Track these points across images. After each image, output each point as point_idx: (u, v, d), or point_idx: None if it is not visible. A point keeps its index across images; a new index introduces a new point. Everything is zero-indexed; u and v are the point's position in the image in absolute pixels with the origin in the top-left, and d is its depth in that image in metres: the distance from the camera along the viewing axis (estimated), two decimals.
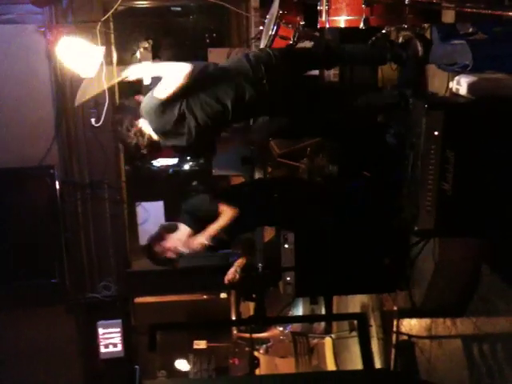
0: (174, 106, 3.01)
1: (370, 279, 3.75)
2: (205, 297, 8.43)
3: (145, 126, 3.09)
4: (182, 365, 8.70)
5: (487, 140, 2.51)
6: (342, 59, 3.42)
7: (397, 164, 3.25)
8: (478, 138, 2.52)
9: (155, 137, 3.13)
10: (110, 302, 5.95)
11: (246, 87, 3.04)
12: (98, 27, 5.01)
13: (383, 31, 3.39)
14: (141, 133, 3.09)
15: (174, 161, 8.38)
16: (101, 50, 4.54)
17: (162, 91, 2.97)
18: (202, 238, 3.27)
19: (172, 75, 2.96)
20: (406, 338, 3.91)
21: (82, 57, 4.46)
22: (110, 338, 6.00)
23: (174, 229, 3.35)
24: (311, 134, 4.42)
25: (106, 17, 4.96)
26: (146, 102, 3.05)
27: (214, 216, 3.33)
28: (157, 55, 5.19)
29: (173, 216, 5.91)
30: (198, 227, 3.31)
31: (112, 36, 5.41)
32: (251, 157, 5.31)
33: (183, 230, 3.31)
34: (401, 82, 3.54)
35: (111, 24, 5.35)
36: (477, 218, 2.63)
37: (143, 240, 6.74)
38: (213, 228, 3.29)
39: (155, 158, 8.02)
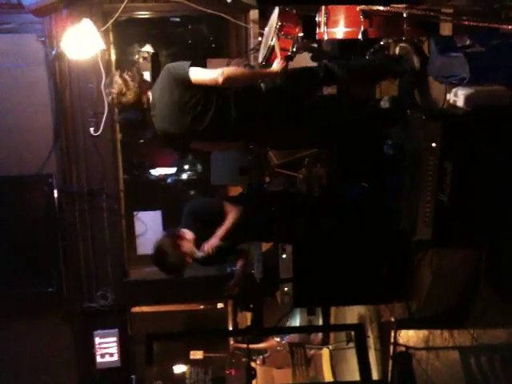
0: (191, 92, 3.06)
1: (368, 290, 3.75)
2: (202, 307, 8.40)
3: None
4: (179, 370, 8.64)
5: (485, 152, 2.53)
6: (341, 80, 3.44)
7: (394, 175, 3.27)
8: (475, 149, 2.53)
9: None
10: (107, 312, 5.93)
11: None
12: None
13: (381, 43, 3.42)
14: (138, 72, 3.18)
15: (172, 170, 8.38)
16: (88, 22, 4.68)
17: (196, 73, 3.03)
18: (215, 241, 3.27)
19: (215, 71, 3.04)
20: (403, 349, 3.90)
21: (81, 40, 4.73)
22: (107, 348, 5.97)
23: (178, 235, 3.34)
24: (309, 145, 4.43)
25: (105, 27, 4.99)
26: (177, 65, 3.10)
27: (217, 218, 3.34)
28: (156, 65, 5.22)
29: (171, 225, 5.92)
30: (201, 229, 3.31)
31: (111, 46, 5.43)
32: (249, 167, 5.32)
33: (190, 234, 3.31)
34: (399, 94, 3.57)
35: (111, 34, 5.37)
36: (474, 229, 2.64)
37: (141, 249, 6.76)
38: (222, 230, 3.30)
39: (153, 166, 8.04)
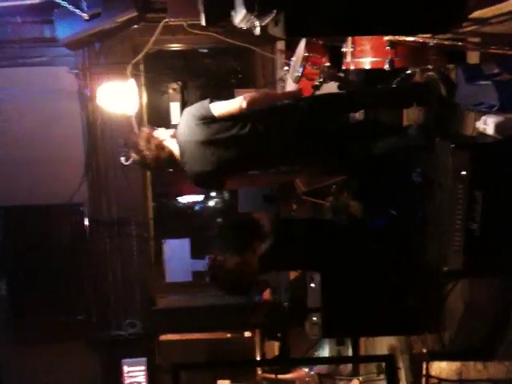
0: (213, 128, 3.08)
1: (398, 320, 3.69)
2: (229, 335, 8.36)
3: (168, 141, 3.15)
4: None
5: None
6: (367, 106, 3.45)
7: (423, 203, 3.24)
8: (505, 177, 2.50)
9: (176, 152, 3.16)
10: (135, 340, 5.94)
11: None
12: (129, 69, 5.16)
13: (408, 72, 3.43)
14: (161, 146, 3.13)
15: (199, 197, 8.45)
16: (132, 82, 4.75)
17: (218, 107, 3.08)
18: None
19: (233, 101, 3.10)
20: (435, 381, 3.81)
21: (119, 97, 4.79)
22: (135, 377, 5.96)
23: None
24: (336, 172, 4.43)
25: (136, 59, 5.11)
26: (197, 106, 3.13)
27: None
28: (185, 96, 5.32)
29: (199, 253, 5.95)
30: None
31: (142, 78, 5.55)
32: (273, 194, 5.33)
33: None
34: (426, 122, 3.55)
35: (141, 66, 5.50)
36: (506, 258, 2.59)
37: (169, 277, 6.78)
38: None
39: (181, 194, 8.10)
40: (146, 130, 3.24)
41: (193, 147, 3.14)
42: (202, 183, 3.38)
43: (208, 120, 3.08)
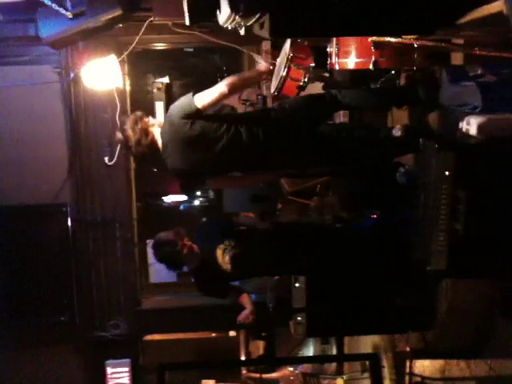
0: (197, 126, 3.08)
1: (382, 319, 3.71)
2: (214, 335, 8.34)
3: (154, 128, 3.17)
4: None
5: (498, 180, 2.52)
6: (352, 107, 3.47)
7: (407, 203, 3.27)
8: (488, 177, 2.53)
9: (159, 141, 3.16)
10: (119, 341, 5.90)
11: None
12: None
13: (392, 73, 3.45)
14: (146, 132, 3.14)
15: (184, 197, 8.42)
16: (113, 57, 4.75)
17: (201, 99, 3.07)
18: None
19: (214, 88, 3.09)
20: (419, 379, 3.84)
21: (103, 73, 4.83)
22: (119, 378, 5.92)
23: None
24: (321, 173, 4.45)
25: (121, 58, 5.07)
26: (181, 103, 3.11)
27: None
28: (170, 95, 5.29)
29: None
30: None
31: (126, 77, 5.52)
32: (261, 194, 5.33)
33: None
34: (411, 123, 3.58)
35: (126, 65, 5.46)
36: (489, 259, 2.61)
37: (154, 278, 6.75)
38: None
39: (166, 194, 8.07)
40: (138, 113, 3.24)
41: (175, 144, 3.14)
42: (182, 179, 3.40)
43: (192, 118, 3.07)
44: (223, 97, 3.11)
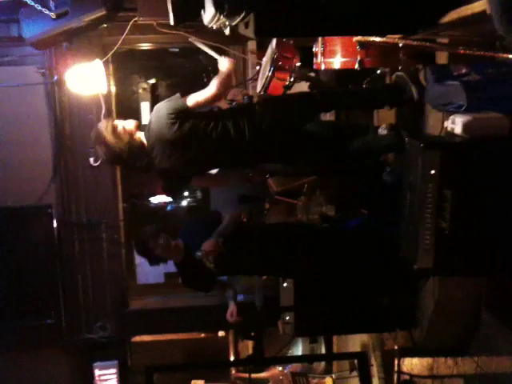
0: (185, 126, 3.04)
1: (370, 318, 3.72)
2: (202, 335, 8.32)
3: (130, 127, 3.09)
4: None
5: (483, 178, 2.54)
6: (338, 107, 3.46)
7: (394, 202, 3.27)
8: (473, 176, 2.54)
9: (143, 138, 3.11)
10: (107, 343, 5.87)
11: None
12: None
13: (378, 72, 3.46)
14: (130, 134, 3.07)
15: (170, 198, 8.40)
16: (98, 62, 4.70)
17: (190, 98, 3.05)
18: (214, 240, 3.29)
19: (208, 89, 3.06)
20: (407, 377, 3.86)
21: (87, 79, 4.72)
22: (107, 380, 5.89)
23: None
24: (308, 173, 4.45)
25: (105, 58, 5.03)
26: (169, 103, 3.07)
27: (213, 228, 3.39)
28: (156, 95, 5.26)
29: None
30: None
31: (111, 77, 5.48)
32: (249, 195, 5.32)
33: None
34: (396, 122, 3.59)
35: (111, 65, 5.42)
36: (475, 257, 2.63)
37: (141, 279, 6.72)
38: (219, 230, 3.35)
39: (153, 194, 8.04)
40: (104, 122, 3.14)
41: (163, 144, 3.09)
42: (167, 179, 3.37)
43: (181, 118, 3.04)
44: (216, 96, 3.09)
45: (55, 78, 5.16)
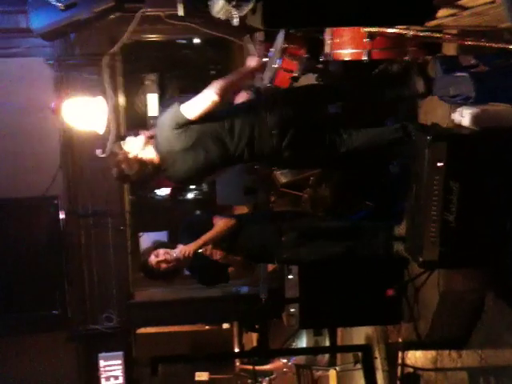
0: (193, 132, 3.01)
1: (374, 311, 3.73)
2: (207, 327, 8.36)
3: (143, 152, 3.08)
4: None
5: (490, 171, 2.53)
6: (345, 98, 3.44)
7: (400, 194, 3.27)
8: (481, 168, 2.53)
9: (155, 159, 3.08)
10: (112, 334, 5.90)
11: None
12: (106, 60, 5.10)
13: (386, 64, 3.45)
14: (142, 161, 3.06)
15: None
16: (101, 100, 4.65)
17: (191, 110, 2.97)
18: (191, 246, 3.30)
19: (205, 95, 2.97)
20: (411, 370, 3.87)
21: (88, 113, 4.66)
22: (112, 371, 5.92)
23: (169, 247, 3.42)
24: (314, 165, 4.43)
25: (112, 50, 5.04)
26: (170, 115, 3.02)
27: (204, 231, 3.38)
28: (163, 87, 5.26)
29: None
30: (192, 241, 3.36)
31: (119, 69, 5.49)
32: (254, 187, 5.33)
33: (179, 247, 3.37)
34: (404, 114, 3.58)
35: (118, 57, 5.43)
36: (481, 250, 2.63)
37: None
38: (203, 237, 3.33)
39: (158, 187, 8.05)
40: (117, 151, 3.14)
41: (174, 156, 3.07)
42: (185, 184, 3.39)
43: (184, 127, 2.99)
44: (216, 105, 2.98)
45: (52, 105, 5.07)
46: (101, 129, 4.81)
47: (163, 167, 3.12)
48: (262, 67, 3.28)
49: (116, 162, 3.09)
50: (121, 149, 3.11)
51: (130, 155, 3.06)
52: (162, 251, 3.37)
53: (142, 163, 3.08)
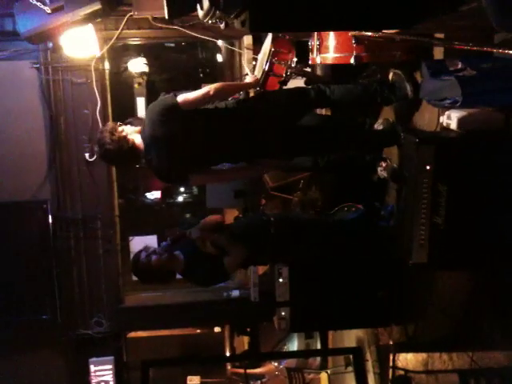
0: (176, 123, 3.06)
1: (365, 313, 3.73)
2: (198, 331, 8.33)
3: (133, 135, 3.15)
4: None
5: (478, 173, 2.54)
6: (333, 103, 3.46)
7: (388, 197, 3.28)
8: (469, 171, 2.54)
9: (140, 145, 3.14)
10: (102, 339, 5.85)
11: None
12: (93, 63, 5.07)
13: (373, 68, 3.46)
14: (125, 138, 3.12)
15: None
16: (90, 26, 4.69)
17: (183, 95, 3.09)
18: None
19: (203, 89, 3.13)
20: (402, 372, 3.87)
21: (80, 42, 4.77)
22: (102, 376, 5.88)
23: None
24: (303, 168, 4.44)
25: (101, 53, 5.02)
26: (160, 101, 3.12)
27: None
28: (151, 90, 5.24)
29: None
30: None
31: (107, 72, 5.46)
32: (244, 190, 5.32)
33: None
34: (393, 117, 3.59)
35: (106, 60, 5.40)
36: (470, 252, 2.64)
37: None
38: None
39: (149, 190, 8.02)
40: (110, 123, 3.26)
41: (158, 143, 3.11)
42: (167, 178, 3.39)
43: (172, 114, 3.06)
44: (206, 96, 3.11)
45: (50, 45, 5.09)
46: (96, 52, 4.93)
47: (146, 156, 3.17)
48: (257, 83, 3.48)
49: (102, 130, 3.18)
50: (115, 124, 3.20)
51: (119, 129, 3.14)
52: (151, 246, 3.40)
53: (125, 140, 3.13)
